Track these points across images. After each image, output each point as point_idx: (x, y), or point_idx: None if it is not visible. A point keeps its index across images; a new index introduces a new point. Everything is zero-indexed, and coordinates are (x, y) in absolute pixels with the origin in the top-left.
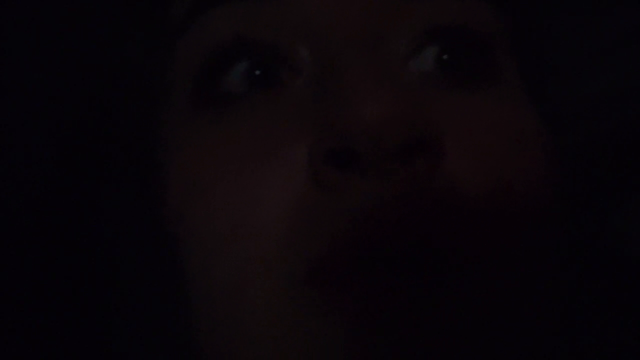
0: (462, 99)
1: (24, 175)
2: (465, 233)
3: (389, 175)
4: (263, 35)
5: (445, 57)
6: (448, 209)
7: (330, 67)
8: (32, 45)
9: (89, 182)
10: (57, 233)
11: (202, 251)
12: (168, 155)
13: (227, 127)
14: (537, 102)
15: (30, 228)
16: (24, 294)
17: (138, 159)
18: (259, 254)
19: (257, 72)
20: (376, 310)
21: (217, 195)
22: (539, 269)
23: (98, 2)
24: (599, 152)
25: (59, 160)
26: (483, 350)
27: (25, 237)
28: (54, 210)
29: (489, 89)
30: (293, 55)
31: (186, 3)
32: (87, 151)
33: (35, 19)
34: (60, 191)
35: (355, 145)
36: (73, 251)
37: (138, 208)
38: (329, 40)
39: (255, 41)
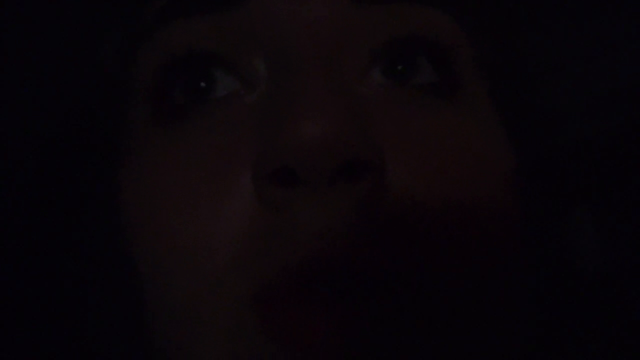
0: (417, 114)
1: None
2: (411, 252)
3: (330, 196)
4: (219, 48)
5: (400, 67)
6: (392, 229)
7: (284, 83)
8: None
9: (48, 191)
10: (15, 247)
11: (154, 270)
12: (124, 168)
13: (179, 143)
14: (506, 115)
15: None
16: None
17: (100, 171)
18: (208, 274)
19: (203, 85)
20: (322, 335)
21: (167, 214)
22: (494, 285)
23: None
24: (560, 164)
25: (20, 166)
26: None
27: None
28: (13, 226)
29: (448, 103)
30: (249, 70)
31: (149, 14)
32: (51, 157)
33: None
34: (20, 202)
35: (292, 165)
36: (32, 268)
37: (98, 225)
38: (285, 55)
39: (210, 55)
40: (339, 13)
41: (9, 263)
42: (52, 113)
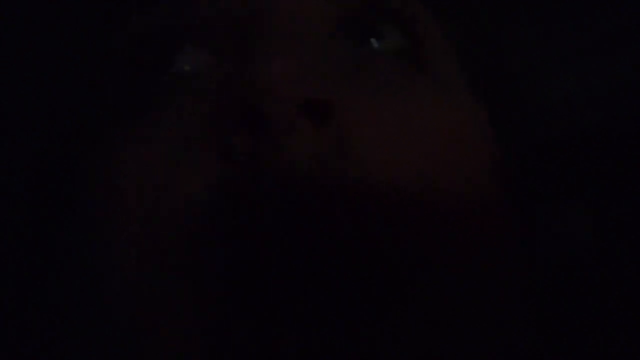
0: (385, 80)
1: None
2: (372, 214)
3: (292, 142)
4: (186, 21)
5: (367, 33)
6: (357, 185)
7: (245, 45)
8: None
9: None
10: None
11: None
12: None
13: (152, 118)
14: (486, 102)
15: None
16: None
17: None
18: (177, 242)
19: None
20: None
21: (135, 188)
22: (470, 274)
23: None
24: (544, 155)
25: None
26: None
27: None
28: None
29: (417, 77)
30: (216, 39)
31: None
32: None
33: None
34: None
35: (257, 103)
36: None
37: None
38: (247, 20)
39: (178, 28)
40: None
41: None
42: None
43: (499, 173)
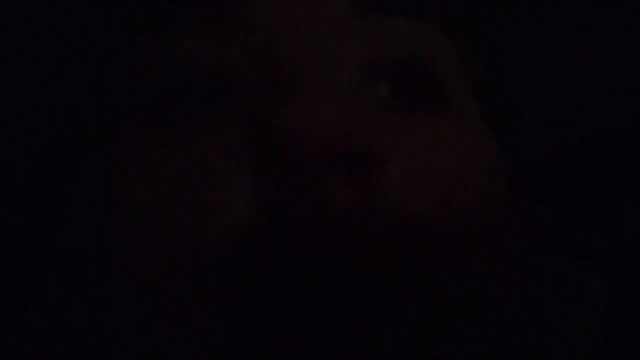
0: (411, 123)
1: None
2: (408, 253)
3: (330, 186)
4: (213, 56)
5: (391, 89)
6: (391, 227)
7: (277, 86)
8: None
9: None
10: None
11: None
12: (112, 172)
13: (171, 147)
14: (490, 119)
15: None
16: None
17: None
18: (202, 277)
19: (198, 94)
20: (316, 339)
21: (156, 218)
22: (489, 284)
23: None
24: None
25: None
26: None
27: None
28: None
29: (438, 115)
30: (243, 77)
31: (148, 22)
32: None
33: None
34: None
35: (297, 151)
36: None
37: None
38: (280, 62)
39: (204, 64)
40: (336, 22)
41: None
42: (42, 115)
43: (509, 189)
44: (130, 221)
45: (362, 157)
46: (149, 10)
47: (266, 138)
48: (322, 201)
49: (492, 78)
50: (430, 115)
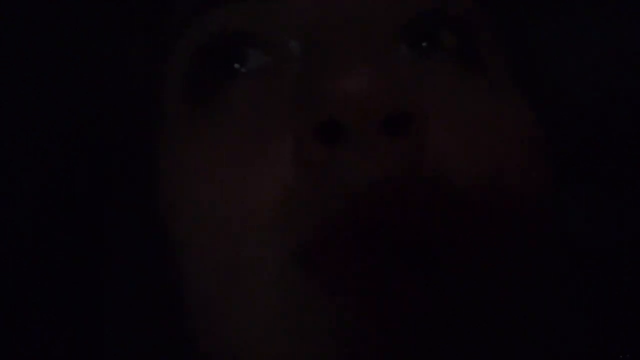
0: (445, 84)
1: (28, 174)
2: (452, 219)
3: (373, 151)
4: (253, 28)
5: (424, 44)
6: (435, 192)
7: (317, 53)
8: (34, 49)
9: (90, 178)
10: (58, 226)
11: (194, 237)
12: (164, 149)
13: (218, 118)
14: (526, 95)
15: (34, 225)
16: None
17: (138, 156)
18: (250, 239)
19: (237, 66)
20: (365, 293)
21: (206, 182)
22: (526, 261)
23: (99, 7)
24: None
25: (62, 158)
26: (471, 335)
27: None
28: (57, 206)
29: (475, 78)
30: (281, 47)
31: (187, 6)
32: (89, 150)
33: (37, 20)
34: (63, 185)
35: (340, 117)
36: (74, 246)
37: (136, 203)
38: (317, 29)
39: (243, 34)
40: None
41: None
42: (95, 98)
43: (545, 157)
44: (201, 182)
45: (405, 117)
46: None
47: (309, 104)
48: (366, 166)
49: (523, 49)
50: (467, 77)
